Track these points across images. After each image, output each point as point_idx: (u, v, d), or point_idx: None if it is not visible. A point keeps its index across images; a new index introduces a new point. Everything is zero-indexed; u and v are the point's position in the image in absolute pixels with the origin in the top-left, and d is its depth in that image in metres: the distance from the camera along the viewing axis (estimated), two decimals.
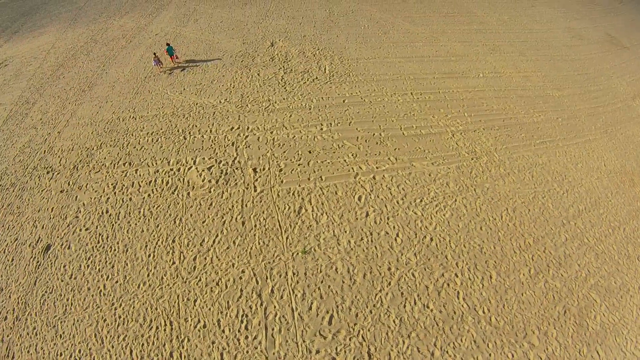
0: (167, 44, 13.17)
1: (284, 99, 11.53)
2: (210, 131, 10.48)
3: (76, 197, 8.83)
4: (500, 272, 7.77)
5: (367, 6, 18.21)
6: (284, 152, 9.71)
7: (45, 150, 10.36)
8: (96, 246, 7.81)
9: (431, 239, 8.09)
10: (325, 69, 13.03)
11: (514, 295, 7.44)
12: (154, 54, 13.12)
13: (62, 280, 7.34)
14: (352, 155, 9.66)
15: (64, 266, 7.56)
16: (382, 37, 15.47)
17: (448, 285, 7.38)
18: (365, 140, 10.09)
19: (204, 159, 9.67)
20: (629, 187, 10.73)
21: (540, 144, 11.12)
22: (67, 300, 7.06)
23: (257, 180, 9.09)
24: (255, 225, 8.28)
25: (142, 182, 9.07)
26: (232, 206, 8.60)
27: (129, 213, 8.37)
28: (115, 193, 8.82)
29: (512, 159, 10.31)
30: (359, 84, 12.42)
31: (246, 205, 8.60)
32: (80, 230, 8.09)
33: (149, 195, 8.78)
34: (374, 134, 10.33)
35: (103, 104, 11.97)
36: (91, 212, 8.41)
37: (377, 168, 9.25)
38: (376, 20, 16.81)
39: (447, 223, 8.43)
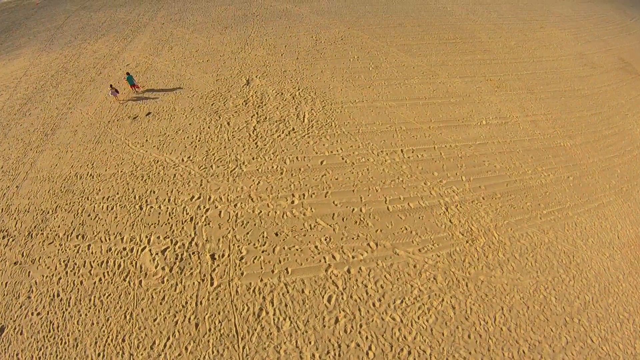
0: (127, 73, 12.72)
1: (253, 158, 10.13)
2: (169, 200, 9.21)
3: (29, 272, 8.15)
4: None
5: (358, 32, 16.47)
6: (247, 233, 8.40)
7: (2, 209, 9.65)
8: (47, 335, 7.11)
9: (409, 353, 6.82)
10: (304, 116, 11.54)
11: None
12: (110, 85, 12.63)
13: None
14: (325, 239, 8.31)
15: (17, 354, 6.90)
16: (372, 72, 13.87)
17: None
18: (343, 219, 8.71)
19: (158, 237, 8.49)
20: None
21: (547, 214, 9.70)
22: None
23: (214, 270, 7.88)
24: (210, 329, 7.11)
25: (94, 262, 8.21)
26: (186, 303, 7.46)
27: (80, 300, 7.58)
28: (67, 273, 8.05)
29: (514, 238, 8.93)
30: (341, 139, 10.91)
31: (201, 303, 7.44)
32: (32, 314, 7.45)
33: (100, 279, 7.87)
34: (353, 210, 8.93)
35: (63, 154, 11.06)
36: (43, 293, 7.75)
37: (352, 258, 8.00)
38: (367, 50, 15.15)
39: (429, 331, 7.16)
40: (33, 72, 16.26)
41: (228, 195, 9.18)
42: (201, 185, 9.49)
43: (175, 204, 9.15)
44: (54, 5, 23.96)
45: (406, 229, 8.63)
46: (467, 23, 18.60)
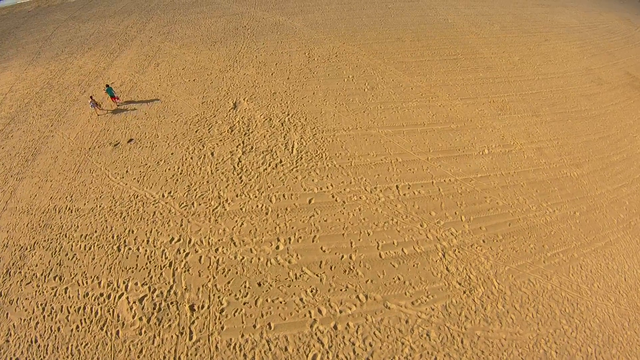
0: (107, 85, 12.61)
1: (237, 195, 9.52)
2: (147, 242, 8.65)
3: (7, 314, 7.81)
4: None
5: (354, 47, 15.69)
6: (229, 282, 7.82)
7: None
8: None
9: None
10: (292, 146, 10.86)
11: None
12: (91, 97, 12.34)
13: None
14: (312, 291, 7.72)
15: None
16: (368, 94, 13.15)
17: None
18: (331, 267, 8.10)
19: (136, 284, 7.97)
20: None
21: (551, 257, 9.07)
22: None
23: (193, 322, 7.34)
24: None
25: (71, 307, 7.82)
26: (164, 357, 6.96)
27: (57, 348, 7.23)
28: (44, 317, 7.70)
29: (515, 286, 8.32)
30: (332, 173, 10.24)
31: (179, 359, 6.97)
32: (11, 359, 7.11)
33: (77, 327, 7.48)
34: (342, 257, 8.31)
35: (42, 184, 10.62)
36: (21, 337, 7.42)
37: (340, 312, 7.42)
38: (363, 69, 14.40)
39: None
40: (18, 88, 15.82)
41: (209, 238, 8.59)
42: (181, 225, 8.91)
43: (154, 247, 8.58)
44: (44, 14, 23.36)
45: (399, 278, 8.02)
46: (469, 36, 17.80)
